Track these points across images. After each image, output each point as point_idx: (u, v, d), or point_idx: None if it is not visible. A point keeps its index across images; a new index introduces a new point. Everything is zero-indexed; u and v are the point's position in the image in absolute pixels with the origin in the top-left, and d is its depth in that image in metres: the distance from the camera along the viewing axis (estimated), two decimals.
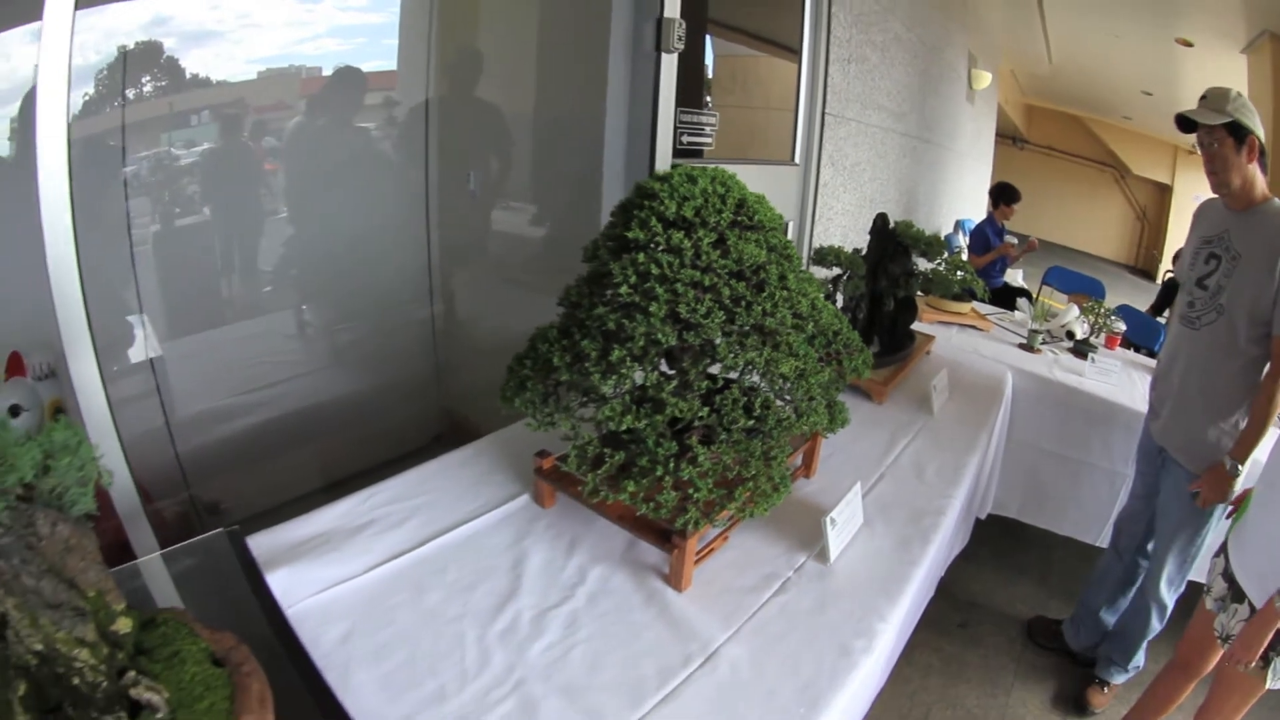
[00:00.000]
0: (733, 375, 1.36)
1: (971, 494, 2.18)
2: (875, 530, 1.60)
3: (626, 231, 1.22)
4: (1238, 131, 2.03)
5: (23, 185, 1.42)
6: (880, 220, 2.43)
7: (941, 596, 2.19)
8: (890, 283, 2.39)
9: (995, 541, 3.18)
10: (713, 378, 1.34)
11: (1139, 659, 2.56)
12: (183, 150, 2.47)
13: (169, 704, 0.82)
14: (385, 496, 1.55)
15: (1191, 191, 11.21)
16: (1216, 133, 2.05)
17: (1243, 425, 2.11)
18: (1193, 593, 2.24)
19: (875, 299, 2.39)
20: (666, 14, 2.37)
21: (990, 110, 9.28)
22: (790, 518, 1.56)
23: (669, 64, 2.43)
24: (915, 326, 2.67)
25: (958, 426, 2.22)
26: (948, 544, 1.93)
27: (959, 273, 2.49)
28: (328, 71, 2.72)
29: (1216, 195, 2.21)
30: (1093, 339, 3.15)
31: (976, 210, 7.89)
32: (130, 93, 2.23)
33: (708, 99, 2.87)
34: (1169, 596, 2.38)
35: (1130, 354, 3.36)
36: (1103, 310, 3.27)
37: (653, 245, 1.21)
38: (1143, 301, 5.87)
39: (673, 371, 1.30)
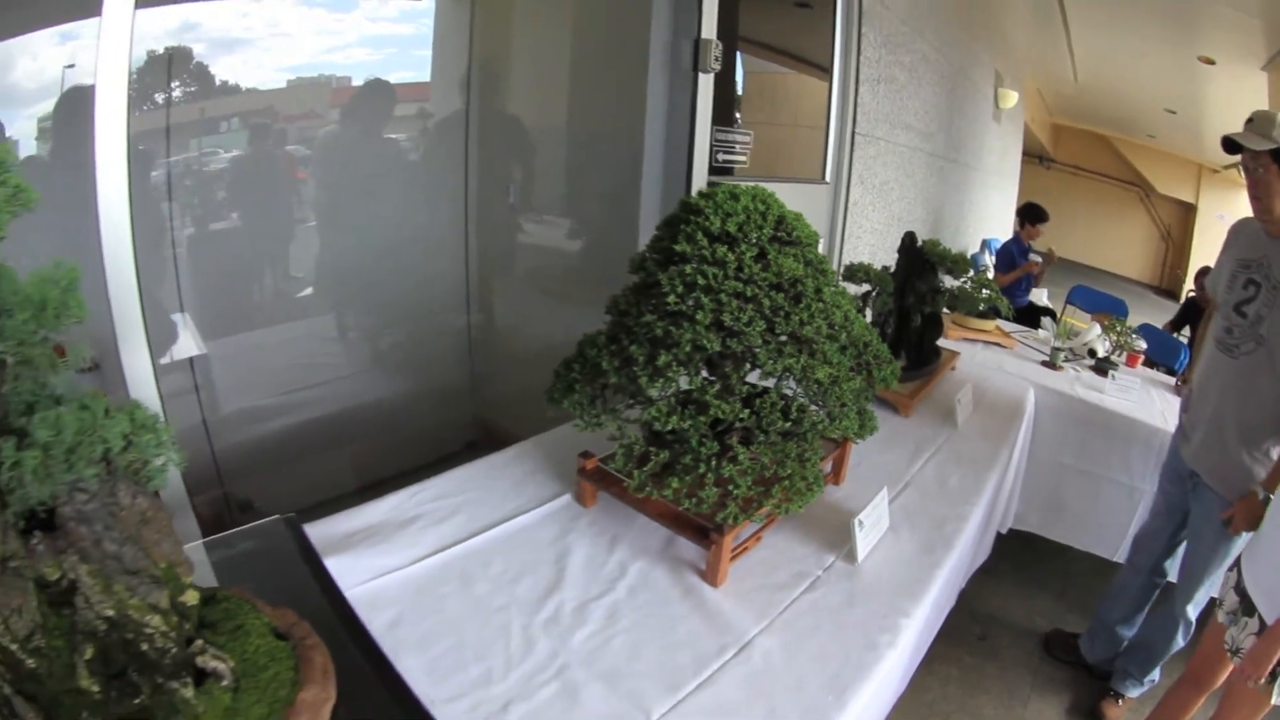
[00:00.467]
0: (768, 383, 1.44)
1: (992, 506, 2.23)
2: (900, 534, 1.66)
3: (674, 244, 1.31)
4: None
5: (57, 182, 1.45)
6: (908, 238, 2.50)
7: (962, 609, 2.23)
8: (917, 299, 2.46)
9: (1015, 556, 3.21)
10: (749, 385, 1.41)
11: (1155, 673, 2.58)
12: (220, 156, 2.55)
13: (233, 673, 0.85)
14: (431, 493, 1.62)
15: (1215, 210, 11.16)
16: (1261, 158, 1.99)
17: (1275, 454, 2.09)
18: (1205, 607, 2.29)
19: (903, 315, 2.45)
20: (704, 35, 2.44)
21: (1016, 129, 9.29)
22: (820, 521, 1.63)
23: (706, 83, 2.51)
24: (941, 343, 2.73)
25: (981, 440, 2.27)
26: (969, 552, 1.98)
27: (984, 291, 2.55)
28: (358, 81, 2.79)
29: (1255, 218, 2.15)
30: (1114, 357, 3.19)
31: (1003, 229, 7.90)
32: (159, 96, 2.29)
33: (737, 116, 2.94)
34: (1194, 615, 2.39)
35: (1150, 372, 3.39)
36: (1124, 329, 3.31)
37: (698, 258, 1.29)
38: (1165, 322, 5.88)
39: (714, 377, 1.38)
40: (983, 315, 3.28)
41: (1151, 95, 8.83)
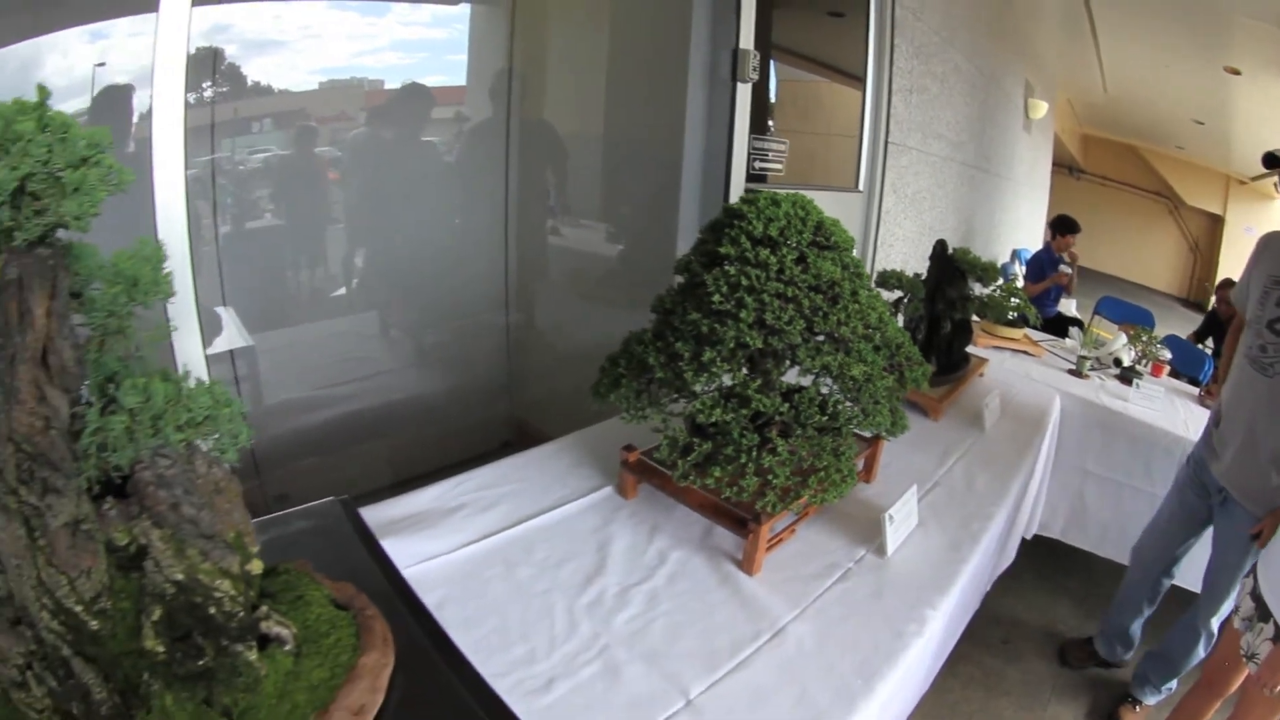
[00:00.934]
0: (805, 381, 1.50)
1: (1017, 508, 2.28)
2: (929, 531, 1.71)
3: (718, 247, 1.38)
4: None
5: None
6: (939, 246, 2.55)
7: (986, 613, 2.28)
8: (947, 306, 2.51)
9: (1040, 562, 3.25)
10: (787, 383, 1.48)
11: (1173, 682, 2.59)
12: (259, 155, 2.61)
13: (296, 639, 0.90)
14: (475, 483, 1.69)
15: (1243, 223, 11.05)
16: None
17: None
18: None
19: (933, 321, 2.50)
20: (741, 45, 2.51)
21: (1047, 140, 9.27)
22: (851, 516, 1.69)
23: (744, 93, 2.57)
24: (970, 349, 2.77)
25: (1007, 444, 2.31)
26: (994, 553, 2.03)
27: (1013, 299, 2.60)
28: (393, 84, 2.85)
29: None
30: (1139, 366, 3.22)
31: (1033, 239, 7.90)
32: (192, 96, 2.30)
33: (770, 124, 2.99)
34: (1216, 626, 2.39)
35: (1175, 382, 3.40)
36: (1149, 339, 3.34)
37: (742, 259, 1.36)
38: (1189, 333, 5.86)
39: (755, 373, 1.44)
40: (1011, 324, 3.31)
41: (1179, 106, 8.77)
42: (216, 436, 0.87)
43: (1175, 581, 2.64)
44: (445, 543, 1.47)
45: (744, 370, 1.40)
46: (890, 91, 3.75)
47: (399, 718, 0.88)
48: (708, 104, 2.65)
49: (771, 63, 2.99)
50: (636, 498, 1.70)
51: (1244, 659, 1.90)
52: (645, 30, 3.04)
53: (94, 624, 0.79)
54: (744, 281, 1.33)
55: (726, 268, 1.36)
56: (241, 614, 0.85)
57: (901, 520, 1.64)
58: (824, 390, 1.48)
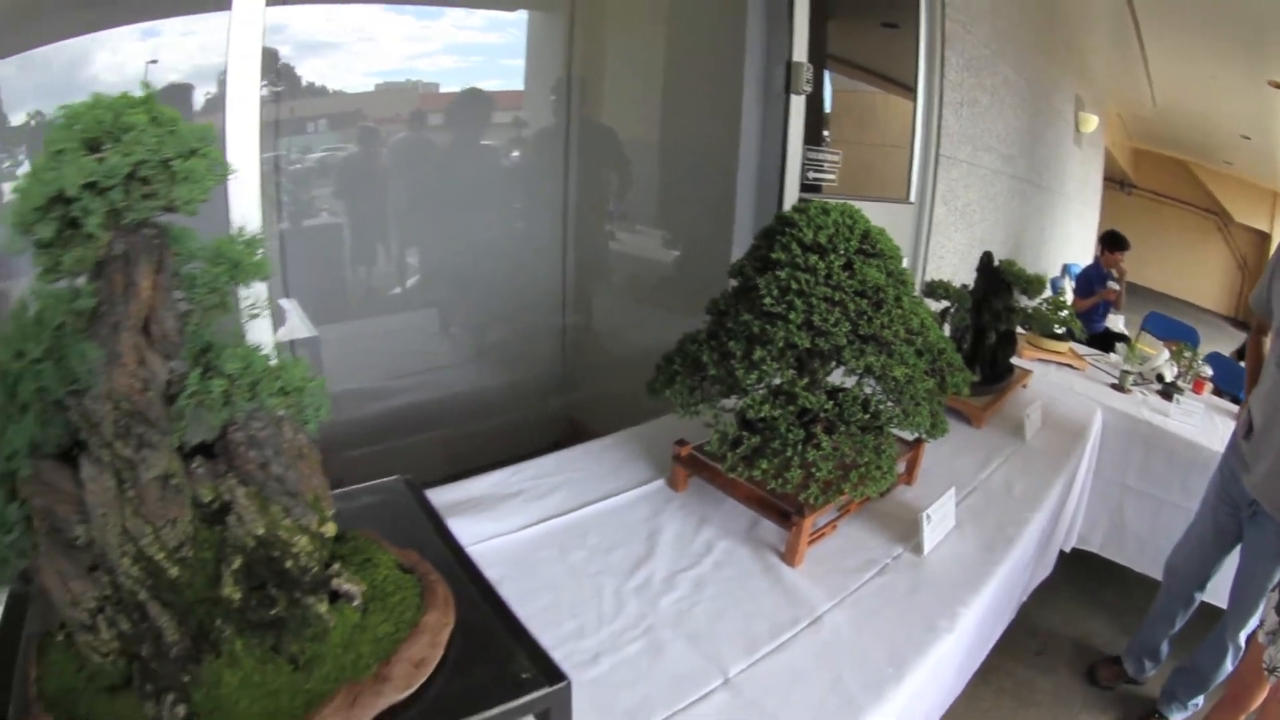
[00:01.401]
0: (849, 382, 1.58)
1: (1055, 519, 2.31)
2: (965, 533, 1.77)
3: (770, 253, 1.46)
4: None
5: None
6: (986, 258, 2.59)
7: (1022, 623, 2.32)
8: (993, 317, 2.54)
9: (1078, 576, 3.26)
10: (831, 384, 1.56)
11: (1199, 699, 2.58)
12: (318, 154, 2.69)
13: (363, 596, 0.96)
14: (532, 472, 1.79)
15: None
16: None
17: None
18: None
19: (979, 331, 2.54)
20: (795, 58, 2.57)
21: (1097, 154, 9.16)
22: (891, 516, 1.76)
23: (798, 105, 2.63)
24: (1015, 361, 2.80)
25: (1047, 454, 2.35)
26: (1029, 560, 2.07)
27: (1060, 312, 2.63)
28: (450, 87, 2.93)
29: None
30: (1180, 382, 3.22)
31: (1083, 254, 7.82)
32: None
33: (826, 134, 3.05)
34: (1244, 640, 2.38)
35: (1216, 399, 3.38)
36: (1192, 355, 3.33)
37: (792, 265, 1.44)
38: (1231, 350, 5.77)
39: (802, 373, 1.52)
40: (1057, 337, 3.33)
41: (1227, 120, 8.62)
42: (303, 407, 0.94)
43: (1205, 598, 2.63)
44: (503, 525, 1.57)
45: (792, 369, 1.48)
46: (941, 104, 3.79)
47: (455, 672, 0.94)
48: (762, 115, 2.71)
49: (827, 73, 3.04)
50: (686, 491, 1.78)
51: (1266, 673, 1.91)
52: (701, 41, 3.11)
53: (173, 571, 0.87)
54: (794, 285, 1.41)
55: (778, 272, 1.44)
56: (315, 569, 0.92)
57: (939, 520, 1.69)
58: (867, 390, 1.56)
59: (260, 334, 1.66)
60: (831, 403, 1.50)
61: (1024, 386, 2.82)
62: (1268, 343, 2.34)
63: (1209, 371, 3.37)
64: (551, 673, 0.96)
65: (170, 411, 0.86)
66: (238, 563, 0.89)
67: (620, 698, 1.19)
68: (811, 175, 2.92)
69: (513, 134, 3.21)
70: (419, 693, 0.90)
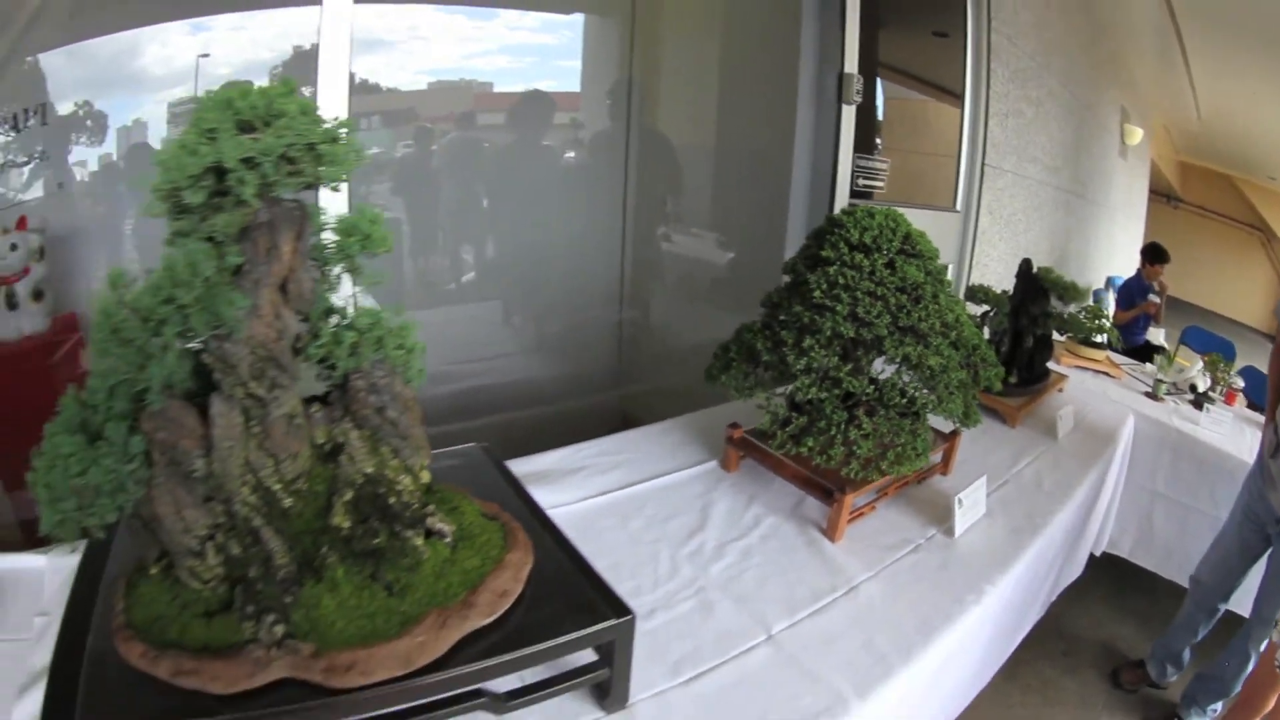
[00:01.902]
0: (888, 371, 1.71)
1: (1084, 517, 2.41)
2: (995, 520, 1.88)
3: (820, 250, 1.61)
4: None
5: None
6: (1024, 265, 2.69)
7: (1050, 625, 2.41)
8: (1030, 321, 2.64)
9: (1107, 580, 3.31)
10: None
11: (1219, 704, 2.63)
12: (372, 150, 2.78)
13: (453, 535, 1.07)
14: (594, 450, 1.95)
15: None
16: None
17: None
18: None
19: (1016, 334, 2.64)
20: (846, 69, 2.68)
21: (1143, 166, 9.09)
22: (927, 502, 1.88)
23: (849, 114, 2.74)
24: (1052, 366, 2.89)
25: (1078, 453, 2.43)
26: (1058, 555, 2.19)
27: (1098, 320, 2.71)
28: (501, 88, 3.03)
29: None
30: (1212, 393, 3.26)
31: (1128, 267, 7.78)
32: (307, 90, 2.36)
33: (877, 142, 3.14)
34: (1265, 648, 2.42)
35: (1245, 411, 3.40)
36: (1224, 367, 3.37)
37: (840, 262, 1.58)
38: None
39: (847, 361, 1.66)
40: (1096, 345, 3.39)
41: (1271, 134, 8.48)
42: (410, 367, 1.08)
43: (1229, 607, 2.69)
44: (568, 495, 1.72)
45: (838, 356, 1.62)
46: (987, 114, 3.86)
47: (533, 604, 1.06)
48: (815, 123, 2.82)
49: (879, 81, 3.13)
50: (738, 471, 1.93)
51: (1279, 670, 1.99)
52: (756, 49, 3.22)
53: (287, 501, 0.99)
54: (841, 280, 1.56)
55: (827, 268, 1.59)
56: (415, 507, 1.04)
57: (971, 506, 1.81)
58: (905, 379, 1.69)
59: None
60: (873, 388, 1.65)
61: (1059, 390, 2.89)
62: None
63: (1241, 383, 3.41)
64: (619, 608, 1.09)
65: (296, 360, 1.00)
66: (349, 495, 1.00)
67: (673, 648, 1.32)
68: (861, 182, 3.02)
69: (573, 135, 3.32)
70: (501, 620, 1.02)
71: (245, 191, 0.86)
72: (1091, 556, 2.79)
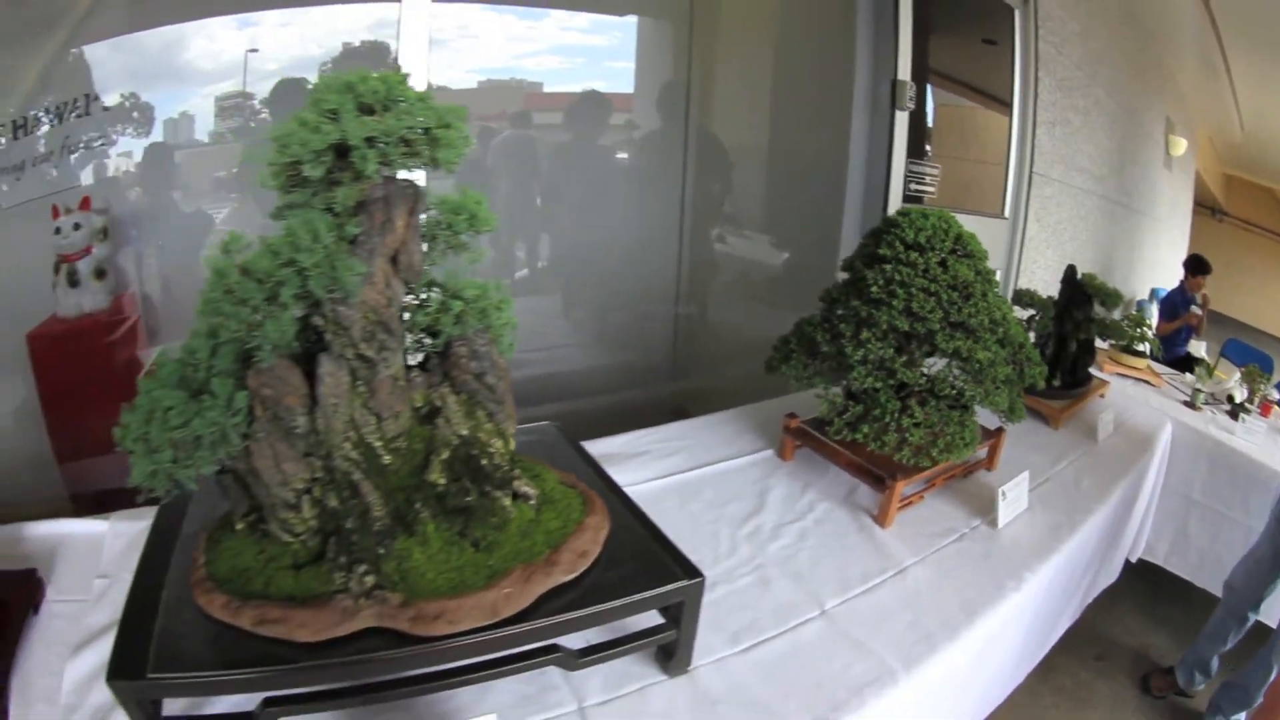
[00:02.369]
0: (939, 365, 1.80)
1: (1121, 520, 2.47)
2: (1035, 515, 1.95)
3: (878, 249, 1.70)
4: None
5: None
6: (1069, 271, 2.74)
7: (1085, 629, 2.46)
8: (1074, 326, 2.69)
9: (1142, 587, 3.32)
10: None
11: (1243, 714, 2.64)
12: None
13: (538, 498, 1.14)
14: (656, 437, 2.06)
15: None
16: None
17: None
18: None
19: (1061, 339, 2.70)
20: (900, 76, 2.75)
21: (1187, 178, 8.98)
22: (972, 495, 1.96)
23: (901, 120, 2.80)
24: (1094, 373, 2.93)
25: (1117, 456, 2.49)
26: (1095, 556, 2.25)
27: (1139, 328, 2.76)
28: (582, 89, 3.10)
29: None
30: (1248, 404, 3.28)
31: (1172, 278, 7.71)
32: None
33: (928, 148, 3.20)
34: None
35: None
36: (1262, 379, 3.38)
37: (895, 260, 1.67)
38: None
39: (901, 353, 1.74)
40: (1137, 353, 3.42)
41: None
42: (504, 340, 1.16)
43: (1257, 617, 2.71)
44: (632, 477, 1.82)
45: (893, 349, 1.71)
46: (1034, 123, 3.89)
47: (610, 564, 1.14)
48: (869, 128, 2.89)
49: (929, 87, 3.19)
50: (794, 460, 2.02)
51: None
52: (812, 55, 3.28)
53: (386, 458, 1.06)
54: (897, 277, 1.66)
55: (884, 266, 1.69)
56: (504, 468, 1.10)
57: (1013, 499, 1.89)
58: (954, 373, 1.78)
59: None
60: (924, 378, 1.75)
61: (1101, 396, 2.93)
62: None
63: (1277, 395, 3.42)
64: (690, 570, 1.16)
65: (402, 326, 1.08)
66: (446, 454, 1.07)
67: (732, 619, 1.41)
68: (913, 187, 3.09)
69: (628, 135, 3.37)
70: (581, 577, 1.09)
71: (368, 168, 0.94)
72: (1127, 563, 2.83)
